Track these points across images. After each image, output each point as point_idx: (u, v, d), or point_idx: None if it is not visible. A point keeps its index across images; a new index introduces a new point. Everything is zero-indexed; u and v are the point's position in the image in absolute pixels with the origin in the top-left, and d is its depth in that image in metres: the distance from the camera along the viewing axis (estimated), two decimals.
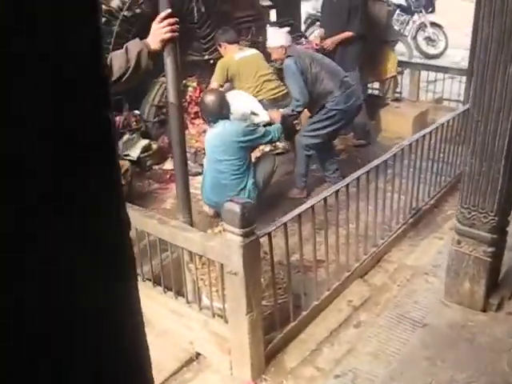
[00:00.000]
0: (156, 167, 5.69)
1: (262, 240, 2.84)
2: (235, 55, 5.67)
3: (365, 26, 5.96)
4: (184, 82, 5.99)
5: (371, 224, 3.90)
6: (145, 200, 5.08)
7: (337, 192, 3.32)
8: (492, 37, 1.88)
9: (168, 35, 2.63)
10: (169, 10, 2.63)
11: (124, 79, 2.64)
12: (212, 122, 4.44)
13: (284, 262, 3.16)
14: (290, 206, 4.85)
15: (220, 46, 5.80)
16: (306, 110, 5.14)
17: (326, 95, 4.88)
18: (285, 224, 2.93)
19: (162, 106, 5.89)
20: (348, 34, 5.88)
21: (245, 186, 4.39)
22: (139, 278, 3.42)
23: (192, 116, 5.85)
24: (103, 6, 5.35)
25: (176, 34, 2.67)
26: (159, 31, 2.63)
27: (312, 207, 3.12)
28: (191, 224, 3.07)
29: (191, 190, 5.08)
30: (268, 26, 7.16)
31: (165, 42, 2.66)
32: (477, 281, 2.18)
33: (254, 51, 5.84)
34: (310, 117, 5.12)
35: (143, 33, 5.49)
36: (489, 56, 1.89)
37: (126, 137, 5.58)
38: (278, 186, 5.14)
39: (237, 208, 2.56)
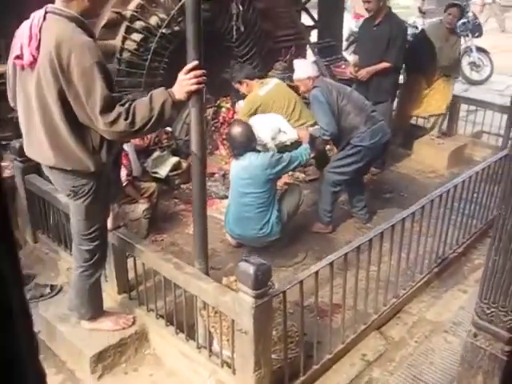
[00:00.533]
0: (184, 186, 5.67)
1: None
2: (259, 91, 5.54)
3: (402, 57, 5.84)
4: (218, 102, 5.98)
5: (394, 269, 3.78)
6: (169, 221, 5.07)
7: (358, 247, 3.24)
8: None
9: (194, 87, 2.59)
10: (196, 62, 2.58)
11: (146, 129, 2.61)
12: (239, 154, 4.38)
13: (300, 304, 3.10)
14: (313, 241, 4.81)
15: (240, 83, 5.65)
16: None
17: (351, 130, 4.75)
18: (301, 282, 2.86)
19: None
20: (385, 64, 5.74)
21: (268, 220, 4.33)
22: (153, 314, 3.41)
23: (223, 137, 5.81)
24: (142, 23, 5.36)
25: (202, 85, 2.63)
26: (185, 82, 2.59)
27: (331, 263, 3.04)
28: (207, 272, 3.02)
29: (216, 215, 5.13)
30: (308, 46, 7.11)
31: (190, 93, 2.62)
32: (491, 377, 2.08)
33: (276, 81, 5.71)
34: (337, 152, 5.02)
35: (180, 51, 5.51)
36: None
37: (156, 154, 5.58)
38: (304, 217, 5.06)
39: (251, 270, 2.51)
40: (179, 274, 3.00)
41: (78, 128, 2.68)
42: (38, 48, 2.59)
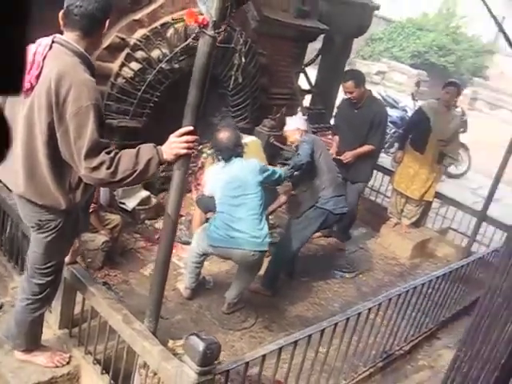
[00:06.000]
0: (148, 222, 5.59)
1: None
2: None
3: (384, 141, 6.17)
4: (201, 146, 5.95)
5: (341, 355, 3.71)
6: (126, 257, 4.97)
7: (310, 336, 3.19)
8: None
9: (183, 151, 2.56)
10: (190, 128, 2.56)
11: (127, 181, 2.55)
12: (225, 159, 4.45)
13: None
14: (265, 308, 4.73)
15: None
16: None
17: (319, 190, 4.92)
18: (247, 363, 2.80)
19: (172, 162, 5.81)
20: (370, 148, 5.84)
21: (261, 228, 4.26)
22: (90, 358, 3.29)
23: (198, 182, 5.78)
24: (143, 54, 5.34)
25: (191, 151, 2.60)
26: (176, 145, 2.56)
27: (280, 349, 2.99)
28: (154, 331, 2.94)
29: (175, 261, 5.05)
30: (299, 108, 7.18)
31: (178, 157, 2.60)
32: None
33: (253, 138, 5.72)
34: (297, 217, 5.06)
35: (174, 88, 5.51)
36: (492, 307, 1.82)
37: None
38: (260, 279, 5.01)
39: (200, 346, 2.44)
40: (126, 327, 2.91)
41: (59, 164, 2.60)
42: (37, 76, 2.53)
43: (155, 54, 5.41)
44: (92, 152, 2.47)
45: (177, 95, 5.69)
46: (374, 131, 5.83)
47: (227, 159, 4.45)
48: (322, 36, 7.31)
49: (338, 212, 4.93)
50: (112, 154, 2.51)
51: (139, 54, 5.35)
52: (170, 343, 3.04)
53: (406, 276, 5.95)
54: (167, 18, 5.40)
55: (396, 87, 18.90)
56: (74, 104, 2.46)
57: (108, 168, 2.48)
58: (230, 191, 4.33)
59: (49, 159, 2.59)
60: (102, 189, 4.82)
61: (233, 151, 4.44)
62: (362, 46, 21.07)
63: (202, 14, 2.47)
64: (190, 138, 2.55)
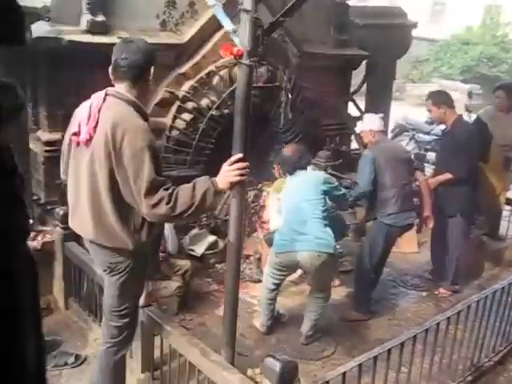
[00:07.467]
0: (218, 266, 5.67)
1: None
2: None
3: (466, 169, 5.32)
4: (260, 185, 6.06)
5: (425, 373, 3.63)
6: (200, 301, 5.05)
7: (389, 350, 3.14)
8: None
9: (237, 179, 2.66)
10: (240, 155, 2.66)
11: (186, 215, 2.66)
12: (290, 172, 4.61)
13: None
14: (344, 335, 4.69)
15: (274, 168, 5.50)
16: None
17: (382, 203, 4.87)
18: (327, 382, 2.79)
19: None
20: (447, 176, 5.40)
21: (324, 230, 4.29)
22: None
23: (262, 220, 5.85)
24: (193, 104, 5.55)
25: (244, 177, 2.69)
26: (229, 173, 2.66)
27: (360, 365, 2.96)
28: (232, 361, 2.98)
29: (248, 299, 5.09)
30: (353, 135, 7.24)
31: (232, 184, 2.69)
32: None
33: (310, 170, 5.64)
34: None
35: (227, 132, 5.66)
36: None
37: (194, 231, 5.64)
38: (336, 309, 5.00)
39: (277, 367, 2.47)
40: (205, 360, 2.96)
41: (123, 207, 2.75)
42: (95, 128, 2.72)
43: (204, 102, 5.62)
44: (151, 190, 2.60)
45: (229, 139, 5.88)
46: (454, 158, 5.35)
47: (292, 172, 4.60)
48: (365, 62, 7.37)
49: (401, 225, 4.89)
50: (170, 190, 2.64)
51: (189, 105, 5.57)
52: (249, 372, 3.07)
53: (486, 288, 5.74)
54: (211, 67, 5.62)
55: None
56: (130, 148, 2.62)
57: (167, 203, 2.60)
58: (294, 198, 4.43)
59: (112, 203, 2.74)
60: (169, 238, 4.99)
61: (297, 163, 4.58)
62: (409, 69, 20.98)
63: (235, 46, 2.57)
64: (241, 165, 2.66)
